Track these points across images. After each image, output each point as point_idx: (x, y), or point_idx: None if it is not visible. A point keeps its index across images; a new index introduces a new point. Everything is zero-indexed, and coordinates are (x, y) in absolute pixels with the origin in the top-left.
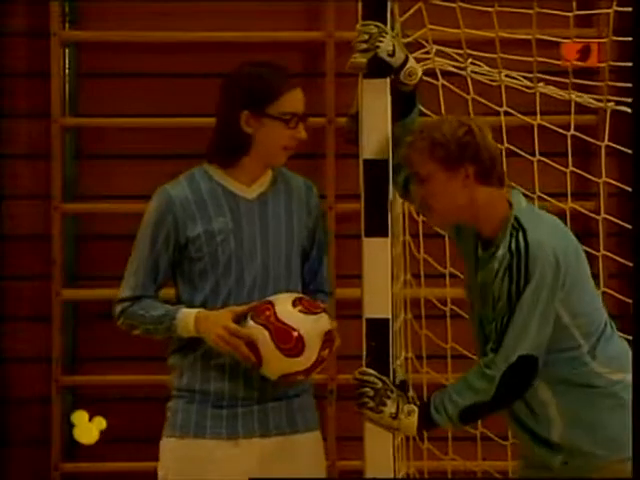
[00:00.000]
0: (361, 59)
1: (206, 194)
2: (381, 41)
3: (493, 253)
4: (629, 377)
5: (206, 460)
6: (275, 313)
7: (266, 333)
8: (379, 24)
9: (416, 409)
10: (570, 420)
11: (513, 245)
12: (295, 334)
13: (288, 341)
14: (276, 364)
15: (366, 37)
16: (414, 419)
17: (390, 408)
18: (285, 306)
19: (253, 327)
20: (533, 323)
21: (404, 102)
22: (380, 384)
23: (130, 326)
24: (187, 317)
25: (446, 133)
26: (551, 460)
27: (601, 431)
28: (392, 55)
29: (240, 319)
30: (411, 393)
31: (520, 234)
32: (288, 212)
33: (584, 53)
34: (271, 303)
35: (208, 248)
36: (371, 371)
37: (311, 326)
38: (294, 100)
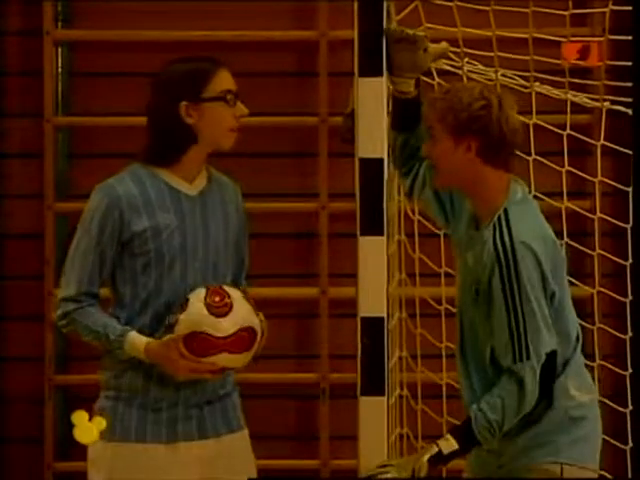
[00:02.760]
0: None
1: (151, 190)
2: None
3: (480, 236)
4: (595, 398)
5: (147, 465)
6: (214, 336)
7: (223, 355)
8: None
9: (432, 446)
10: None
11: (499, 243)
12: (244, 333)
13: (243, 343)
14: (245, 361)
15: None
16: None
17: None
18: (212, 322)
19: (209, 359)
20: (542, 323)
21: (407, 116)
22: (395, 472)
23: (73, 331)
24: (136, 347)
25: (464, 102)
26: (491, 461)
27: (537, 439)
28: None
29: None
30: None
31: (505, 228)
32: (223, 208)
33: (584, 53)
34: (202, 332)
35: (154, 243)
36: (377, 471)
37: (240, 311)
38: (225, 79)
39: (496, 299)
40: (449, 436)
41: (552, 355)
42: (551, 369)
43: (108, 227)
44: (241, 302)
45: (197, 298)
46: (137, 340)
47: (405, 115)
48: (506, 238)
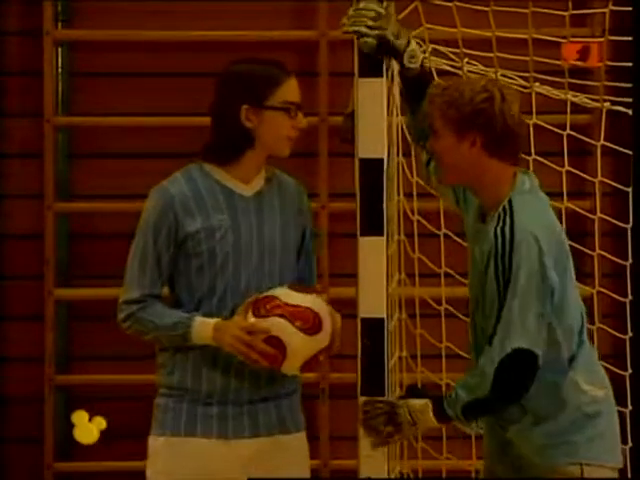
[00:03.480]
0: (371, 40)
1: (204, 191)
2: (388, 25)
3: (485, 230)
4: (609, 392)
5: (197, 459)
6: (281, 300)
7: (283, 321)
8: (383, 6)
9: (428, 402)
10: (534, 421)
11: (498, 231)
12: (310, 312)
13: (307, 320)
14: (301, 348)
15: (373, 14)
16: (429, 414)
17: (405, 420)
18: (287, 293)
19: (267, 321)
20: (530, 313)
21: (414, 90)
22: (386, 407)
23: (139, 332)
24: (204, 326)
25: (466, 96)
26: (504, 458)
27: (553, 436)
28: (397, 38)
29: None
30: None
31: (507, 218)
32: (282, 210)
33: (584, 53)
34: (272, 295)
35: (207, 244)
36: (372, 399)
37: (317, 302)
38: (291, 90)
39: (489, 284)
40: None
41: (524, 354)
42: (521, 369)
43: (164, 230)
44: (321, 299)
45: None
46: (205, 320)
47: (413, 85)
48: (507, 227)
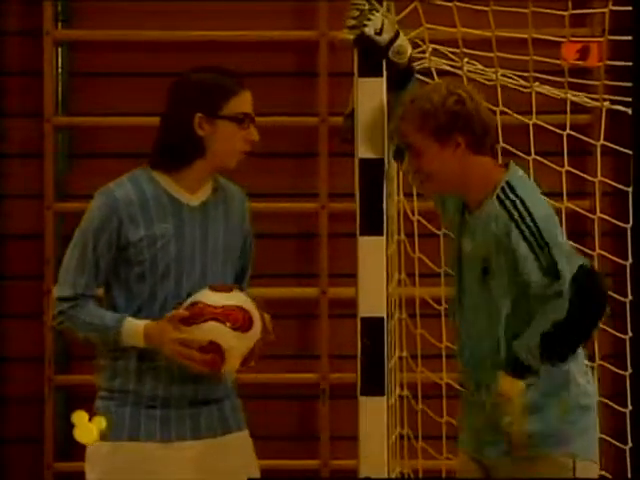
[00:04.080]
0: (348, 35)
1: (150, 198)
2: (370, 19)
3: (477, 217)
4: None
5: (140, 463)
6: (207, 304)
7: (215, 324)
8: (372, 1)
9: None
10: (530, 411)
11: (508, 204)
12: (238, 310)
13: (237, 319)
14: (238, 347)
15: (356, 14)
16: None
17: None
18: (209, 295)
19: (200, 328)
20: (565, 248)
21: (399, 75)
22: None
23: (71, 330)
24: (135, 331)
25: (436, 103)
26: (495, 448)
27: (548, 428)
28: (379, 33)
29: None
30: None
31: (510, 193)
32: (226, 220)
33: (583, 53)
34: (198, 301)
35: (149, 253)
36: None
37: (240, 297)
38: (245, 101)
39: (521, 250)
40: None
41: (589, 271)
42: (591, 285)
43: (105, 234)
44: (243, 294)
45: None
46: (135, 323)
47: (399, 73)
48: (516, 200)
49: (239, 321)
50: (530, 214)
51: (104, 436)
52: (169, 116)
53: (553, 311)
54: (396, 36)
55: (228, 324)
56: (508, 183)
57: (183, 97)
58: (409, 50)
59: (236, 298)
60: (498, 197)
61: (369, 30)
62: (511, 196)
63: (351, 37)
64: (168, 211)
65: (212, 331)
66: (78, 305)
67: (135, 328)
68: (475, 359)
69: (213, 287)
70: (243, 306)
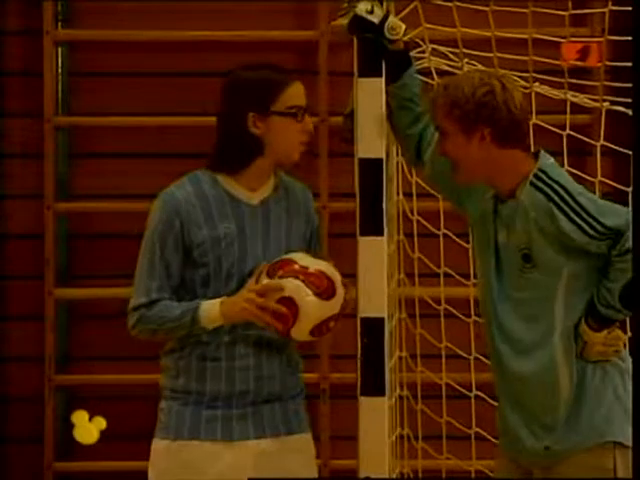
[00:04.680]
0: (342, 21)
1: (211, 198)
2: (359, 2)
3: (514, 203)
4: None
5: (201, 462)
6: (297, 262)
7: (298, 282)
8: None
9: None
10: (571, 405)
11: (546, 189)
12: (325, 276)
13: (322, 284)
14: (313, 311)
15: (345, 4)
16: (585, 328)
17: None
18: (303, 257)
19: (281, 282)
20: (611, 203)
21: (395, 64)
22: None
23: (150, 331)
24: (211, 306)
25: (467, 92)
26: (534, 444)
27: (588, 415)
28: (371, 12)
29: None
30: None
31: (547, 178)
32: (288, 218)
33: (584, 53)
34: (288, 258)
35: (213, 254)
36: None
37: (332, 269)
38: (297, 94)
39: (568, 228)
40: None
41: None
42: None
43: (171, 237)
44: (330, 264)
45: None
46: (211, 301)
47: (396, 62)
48: (550, 182)
49: (322, 287)
50: (568, 192)
51: (164, 435)
52: (223, 118)
53: (627, 269)
54: (387, 15)
55: (311, 286)
56: (541, 169)
57: (233, 97)
58: (402, 25)
59: (327, 266)
60: (532, 183)
61: (360, 10)
62: (547, 180)
63: (345, 22)
64: (229, 211)
65: (293, 288)
66: (153, 307)
67: (212, 304)
68: (518, 345)
69: (309, 252)
70: (330, 275)
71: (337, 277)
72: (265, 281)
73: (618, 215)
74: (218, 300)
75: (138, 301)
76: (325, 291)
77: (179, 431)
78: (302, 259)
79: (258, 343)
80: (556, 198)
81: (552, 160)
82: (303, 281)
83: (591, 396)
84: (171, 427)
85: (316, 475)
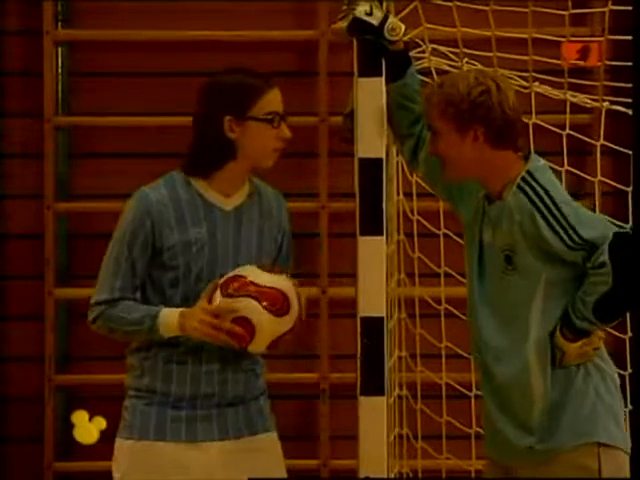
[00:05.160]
0: (341, 24)
1: (184, 202)
2: (357, 4)
3: (500, 206)
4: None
5: (166, 463)
6: (251, 281)
7: (252, 301)
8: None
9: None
10: (550, 405)
11: (529, 191)
12: (279, 294)
13: (276, 302)
14: (269, 329)
15: (344, 7)
16: (560, 339)
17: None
18: (256, 272)
19: (235, 301)
20: (590, 214)
21: (395, 64)
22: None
23: (108, 329)
24: (170, 315)
25: (462, 91)
26: (518, 443)
27: (571, 416)
28: (370, 14)
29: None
30: None
31: (533, 182)
32: (260, 225)
33: (584, 53)
34: (240, 275)
35: (183, 258)
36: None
37: (286, 282)
38: (274, 100)
39: (547, 235)
40: None
41: (623, 234)
42: (628, 247)
43: (140, 237)
44: (289, 280)
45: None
46: (170, 309)
47: (396, 63)
48: (536, 185)
49: (277, 304)
50: (552, 199)
51: (129, 435)
52: (199, 120)
53: (600, 282)
54: (386, 16)
55: (265, 304)
56: (529, 172)
57: (211, 100)
58: (402, 26)
59: (280, 281)
60: (519, 186)
61: (359, 12)
62: (533, 184)
63: (344, 25)
64: (202, 215)
65: (247, 307)
66: (115, 305)
67: (170, 313)
68: (494, 351)
69: (261, 266)
70: (285, 291)
71: (291, 291)
72: (219, 299)
73: (595, 228)
74: (177, 311)
75: (100, 297)
76: (280, 308)
77: (144, 431)
78: (256, 275)
79: (224, 350)
80: (539, 203)
81: (542, 163)
82: (257, 299)
83: (573, 397)
84: (135, 427)
85: (284, 473)
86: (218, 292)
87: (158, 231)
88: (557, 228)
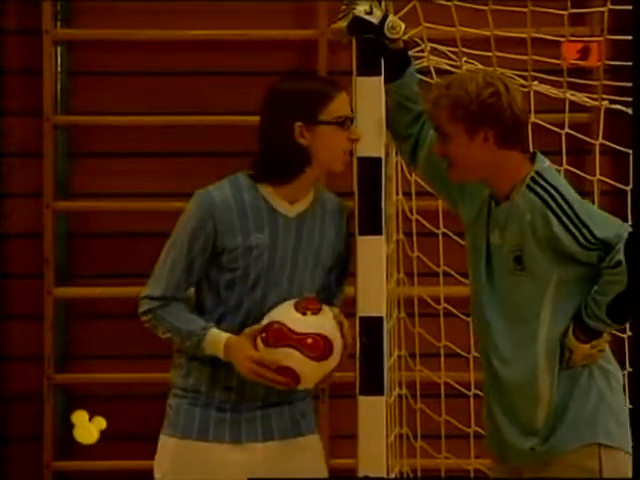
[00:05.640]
0: (341, 24)
1: (248, 205)
2: (357, 3)
3: (508, 208)
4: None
5: (208, 464)
6: (290, 329)
7: (293, 351)
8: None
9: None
10: (555, 406)
11: (541, 192)
12: (320, 338)
13: (317, 348)
14: (314, 374)
15: (344, 7)
16: (572, 339)
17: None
18: (294, 317)
19: (277, 352)
20: (602, 214)
21: (395, 63)
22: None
23: (156, 328)
24: (216, 342)
25: (471, 93)
26: (521, 444)
27: (573, 417)
28: (370, 13)
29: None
30: None
31: (543, 182)
32: (321, 233)
33: (584, 53)
34: (279, 322)
35: (243, 261)
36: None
37: (325, 322)
38: (343, 103)
39: (562, 235)
40: None
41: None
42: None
43: (201, 236)
44: (330, 316)
45: (290, 301)
46: (218, 333)
47: (395, 62)
48: (547, 186)
49: (318, 350)
50: (564, 198)
51: (172, 433)
52: (267, 128)
53: (616, 282)
54: (386, 14)
55: (306, 352)
56: (538, 172)
57: (280, 108)
58: (402, 25)
59: (319, 323)
60: (529, 187)
61: (359, 11)
62: (544, 184)
63: (344, 24)
64: (265, 221)
65: (289, 358)
66: (168, 306)
67: (217, 338)
68: (503, 352)
69: (298, 305)
70: (324, 333)
71: (332, 330)
72: (261, 347)
73: (609, 227)
74: (224, 338)
75: (154, 292)
76: (322, 353)
77: (187, 430)
78: (294, 321)
79: None
80: (552, 202)
81: (548, 163)
82: (298, 349)
83: (576, 398)
84: (179, 425)
85: (326, 474)
86: (259, 340)
87: (220, 233)
88: (571, 227)
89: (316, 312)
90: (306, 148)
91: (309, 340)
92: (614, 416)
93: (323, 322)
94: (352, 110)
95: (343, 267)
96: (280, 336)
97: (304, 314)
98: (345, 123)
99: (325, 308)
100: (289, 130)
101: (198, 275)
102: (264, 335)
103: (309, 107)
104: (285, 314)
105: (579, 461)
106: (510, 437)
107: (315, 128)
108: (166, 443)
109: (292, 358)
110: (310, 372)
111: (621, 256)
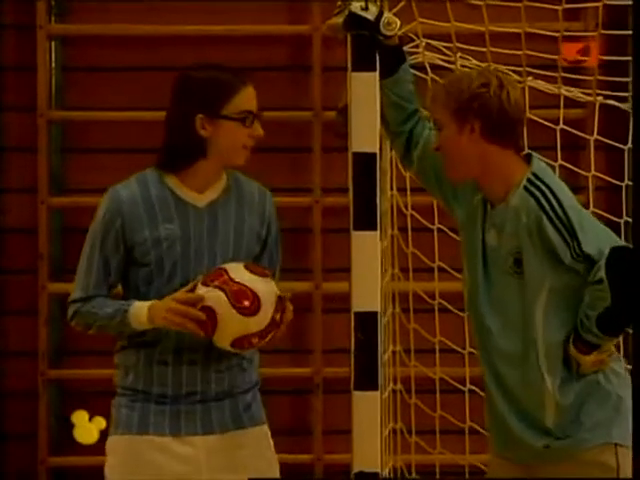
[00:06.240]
0: (336, 20)
1: (155, 199)
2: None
3: (505, 207)
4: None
5: (149, 456)
6: (230, 277)
7: (221, 294)
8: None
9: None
10: (566, 407)
11: (536, 193)
12: (250, 293)
13: (244, 299)
14: (232, 325)
15: (340, 3)
16: (573, 350)
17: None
18: (238, 270)
19: (207, 291)
20: (595, 223)
21: (389, 59)
22: None
23: (84, 325)
24: (140, 307)
25: (464, 84)
26: (534, 442)
27: (590, 417)
28: (365, 9)
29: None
30: None
31: (540, 184)
32: (238, 220)
33: (584, 52)
34: (223, 269)
35: (155, 254)
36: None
37: (264, 286)
38: (247, 98)
39: (554, 240)
40: None
41: (621, 250)
42: (625, 261)
43: (111, 233)
44: (272, 285)
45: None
46: (142, 303)
47: (390, 59)
48: (544, 188)
49: (245, 301)
50: (560, 203)
51: (114, 430)
52: (171, 117)
53: (599, 297)
54: (382, 11)
55: (232, 299)
56: (534, 174)
57: (184, 97)
58: (397, 21)
59: (258, 283)
60: (526, 188)
61: (354, 7)
62: (540, 186)
63: (340, 20)
64: (174, 212)
65: (214, 298)
66: (91, 301)
67: (141, 305)
68: (504, 353)
69: (248, 264)
70: (258, 292)
71: (267, 295)
72: (202, 290)
73: (595, 242)
74: (147, 303)
75: (75, 295)
76: (247, 307)
77: (127, 426)
78: (237, 272)
79: (207, 348)
80: (546, 205)
81: (544, 164)
82: (225, 293)
83: (591, 397)
84: (120, 422)
85: (275, 465)
86: (200, 284)
87: (129, 228)
88: (563, 232)
89: (261, 275)
90: (205, 140)
91: (239, 289)
92: (626, 416)
93: (262, 285)
94: (257, 105)
95: (273, 254)
96: (216, 277)
97: (250, 272)
98: (247, 119)
99: (271, 280)
100: (191, 121)
101: (116, 275)
102: (206, 277)
103: (212, 100)
104: (232, 266)
105: (596, 457)
106: (522, 436)
107: (217, 121)
108: (110, 442)
109: (217, 299)
110: (228, 321)
111: (602, 273)
